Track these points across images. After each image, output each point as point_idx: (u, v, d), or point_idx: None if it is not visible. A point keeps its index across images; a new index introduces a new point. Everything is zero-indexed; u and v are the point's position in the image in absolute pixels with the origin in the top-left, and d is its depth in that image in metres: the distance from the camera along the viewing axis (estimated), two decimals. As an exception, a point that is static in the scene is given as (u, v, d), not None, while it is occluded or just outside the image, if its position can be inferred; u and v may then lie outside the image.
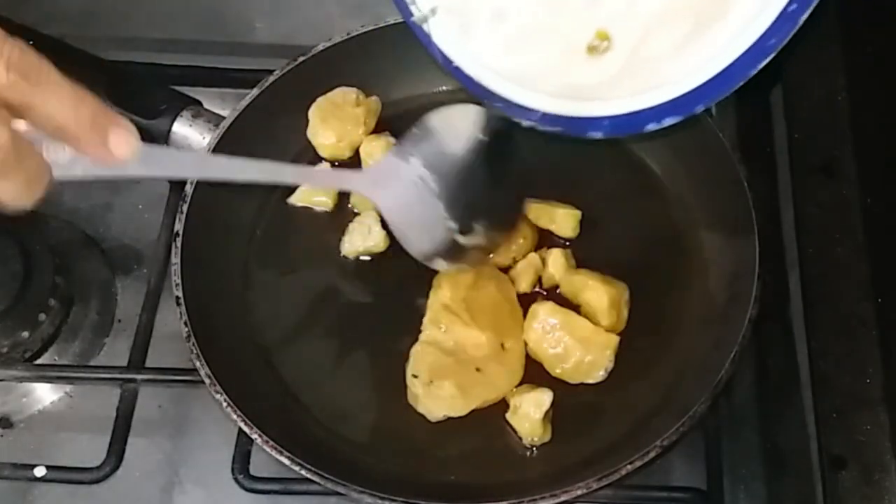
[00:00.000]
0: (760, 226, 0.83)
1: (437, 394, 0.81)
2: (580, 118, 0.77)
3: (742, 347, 0.78)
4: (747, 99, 1.04)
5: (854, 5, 1.02)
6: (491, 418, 0.82)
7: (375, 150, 0.92)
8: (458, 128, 0.81)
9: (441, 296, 0.84)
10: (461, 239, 0.82)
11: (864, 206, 0.96)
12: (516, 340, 0.84)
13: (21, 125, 0.58)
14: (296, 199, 0.93)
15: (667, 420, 0.77)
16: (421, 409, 0.82)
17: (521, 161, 0.84)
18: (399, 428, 0.83)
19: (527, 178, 0.86)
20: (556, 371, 0.83)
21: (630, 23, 0.76)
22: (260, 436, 0.75)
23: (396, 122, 0.95)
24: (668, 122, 0.72)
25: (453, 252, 0.82)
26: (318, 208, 0.93)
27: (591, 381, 0.83)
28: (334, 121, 0.92)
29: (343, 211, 0.93)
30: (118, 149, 0.60)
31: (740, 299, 0.81)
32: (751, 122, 1.03)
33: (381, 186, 0.80)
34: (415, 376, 0.82)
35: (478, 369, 0.82)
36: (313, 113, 0.93)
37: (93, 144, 0.59)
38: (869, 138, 0.98)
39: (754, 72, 0.69)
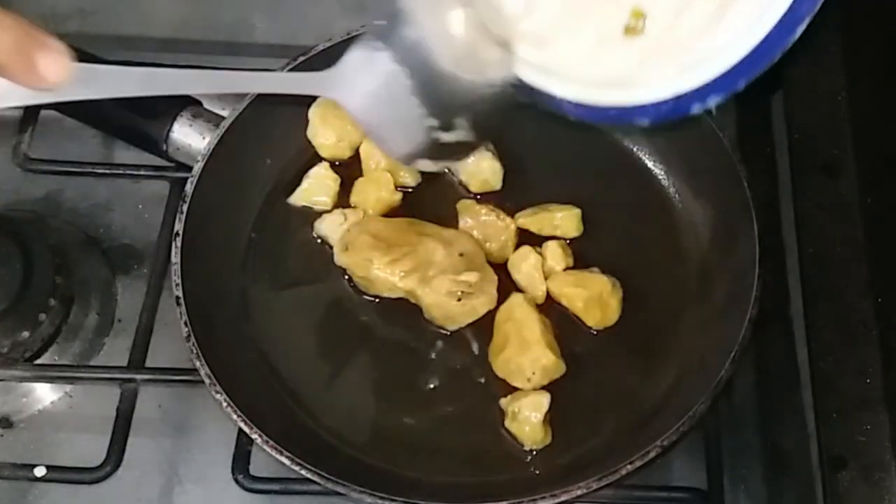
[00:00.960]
0: (760, 226, 0.83)
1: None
2: (626, 107, 0.75)
3: (742, 347, 0.78)
4: (747, 99, 1.04)
5: (855, 5, 1.03)
6: (490, 425, 0.83)
7: (375, 149, 0.92)
8: (432, 15, 0.70)
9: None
10: (443, 136, 0.73)
11: (864, 206, 0.96)
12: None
13: None
14: (295, 199, 0.93)
15: (667, 420, 0.77)
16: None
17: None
18: (399, 428, 0.83)
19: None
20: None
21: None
22: (260, 436, 0.75)
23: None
24: (713, 101, 0.70)
25: (436, 150, 0.74)
26: (317, 207, 0.93)
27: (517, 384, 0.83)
28: (334, 120, 0.92)
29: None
30: (48, 72, 0.57)
31: (740, 299, 0.81)
32: (751, 122, 1.03)
33: (347, 86, 0.72)
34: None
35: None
36: (313, 113, 0.93)
37: (21, 71, 0.57)
38: (869, 138, 0.98)
39: (791, 40, 0.67)
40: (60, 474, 0.84)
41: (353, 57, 0.71)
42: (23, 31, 0.57)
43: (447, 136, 0.73)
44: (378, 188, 0.91)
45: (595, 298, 0.85)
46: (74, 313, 0.94)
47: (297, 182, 0.93)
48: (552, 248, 0.88)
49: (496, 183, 0.92)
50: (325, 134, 0.93)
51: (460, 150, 0.76)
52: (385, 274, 0.85)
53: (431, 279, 0.85)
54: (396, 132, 0.73)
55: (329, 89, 0.73)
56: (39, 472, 0.82)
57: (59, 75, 0.57)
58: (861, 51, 1.01)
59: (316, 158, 0.94)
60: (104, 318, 0.94)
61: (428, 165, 0.77)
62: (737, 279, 0.84)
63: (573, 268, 0.88)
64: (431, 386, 0.85)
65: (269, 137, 0.93)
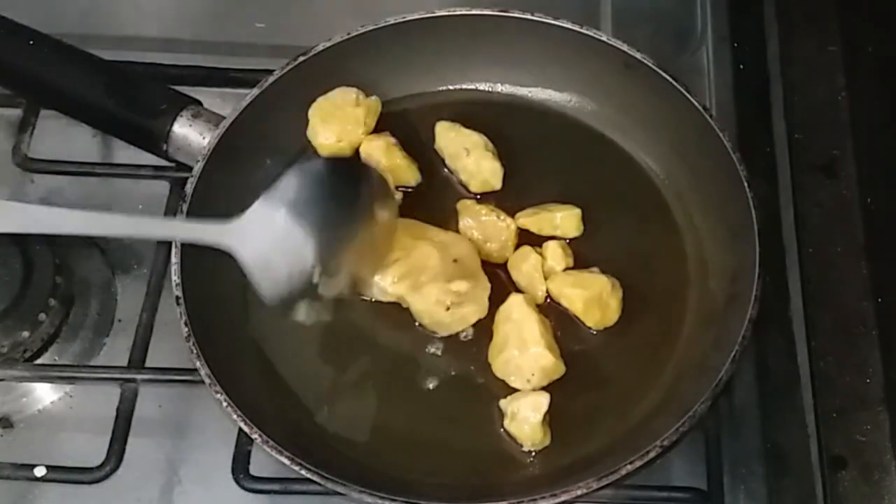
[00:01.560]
0: (760, 226, 0.83)
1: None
2: None
3: (742, 347, 0.78)
4: (747, 98, 1.05)
5: (854, 5, 1.03)
6: (489, 426, 0.83)
7: (375, 149, 0.92)
8: (335, 180, 0.82)
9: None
10: (325, 281, 0.80)
11: (864, 205, 0.96)
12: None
13: None
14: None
15: (667, 420, 0.77)
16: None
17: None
18: (398, 428, 0.83)
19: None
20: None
21: None
22: (260, 435, 0.75)
23: (397, 122, 0.95)
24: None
25: (312, 294, 0.81)
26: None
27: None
28: (334, 121, 0.92)
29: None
30: None
31: (740, 299, 0.81)
32: (751, 122, 1.03)
33: (245, 239, 0.78)
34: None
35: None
36: (313, 113, 0.93)
37: None
38: (869, 138, 0.98)
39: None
40: (60, 474, 0.83)
41: (255, 212, 0.78)
42: None
43: (327, 289, 0.81)
44: None
45: (595, 299, 0.85)
46: (74, 313, 0.94)
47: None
48: (552, 248, 0.88)
49: (496, 183, 0.92)
50: (325, 134, 0.92)
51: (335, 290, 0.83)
52: (376, 279, 0.85)
53: (422, 286, 0.85)
54: (280, 280, 0.78)
55: (228, 239, 0.78)
56: (39, 472, 0.82)
57: None
58: (861, 51, 1.01)
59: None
60: (104, 317, 0.94)
61: (302, 314, 0.83)
62: (737, 279, 0.84)
63: (573, 268, 0.88)
64: (430, 387, 0.84)
65: (270, 137, 0.92)
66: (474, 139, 0.93)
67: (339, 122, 0.92)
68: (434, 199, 0.93)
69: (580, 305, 0.86)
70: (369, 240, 0.83)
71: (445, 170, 0.94)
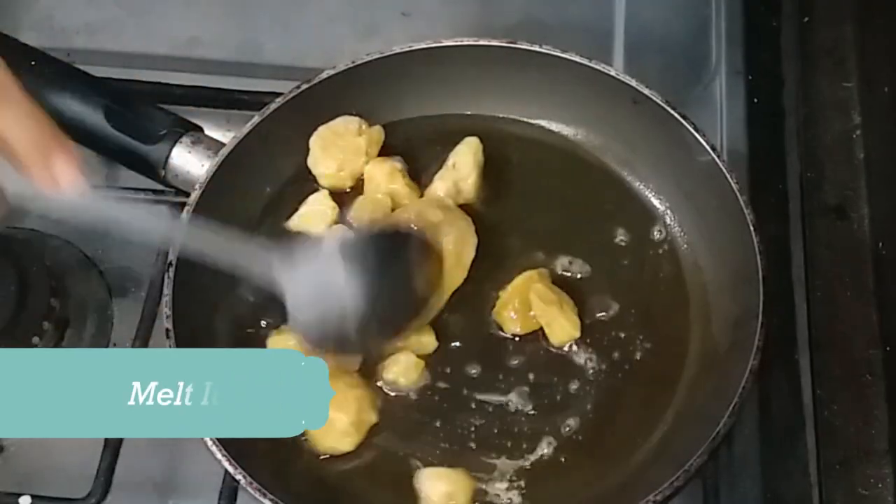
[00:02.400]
0: (765, 272, 0.81)
1: None
2: None
3: (742, 399, 0.76)
4: (760, 133, 1.03)
5: (871, 43, 1.01)
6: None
7: (379, 173, 0.91)
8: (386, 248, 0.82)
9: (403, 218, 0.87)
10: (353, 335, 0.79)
11: (875, 249, 0.94)
12: None
13: None
14: (293, 224, 0.92)
15: (663, 471, 0.75)
16: None
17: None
18: (390, 472, 0.82)
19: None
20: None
21: None
22: (244, 476, 0.74)
23: (398, 150, 0.94)
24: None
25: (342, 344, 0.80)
26: (314, 233, 0.91)
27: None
28: (335, 150, 0.91)
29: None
30: (62, 175, 0.59)
31: (742, 347, 0.79)
32: (763, 158, 1.01)
33: (292, 271, 0.77)
34: None
35: None
36: (314, 142, 0.91)
37: (36, 165, 0.58)
38: (883, 178, 0.96)
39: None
40: (45, 504, 0.83)
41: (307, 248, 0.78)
42: (49, 129, 0.59)
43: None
44: (375, 210, 0.90)
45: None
46: (69, 336, 0.93)
47: (296, 208, 0.92)
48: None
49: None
50: (325, 163, 0.91)
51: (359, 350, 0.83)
52: None
53: None
54: (317, 321, 0.77)
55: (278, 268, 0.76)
56: (25, 501, 0.81)
57: (69, 182, 0.60)
58: (876, 89, 0.99)
59: (316, 185, 0.93)
60: (99, 341, 0.94)
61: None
62: (739, 326, 0.82)
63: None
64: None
65: (270, 165, 0.91)
66: (464, 169, 0.92)
67: (340, 152, 0.91)
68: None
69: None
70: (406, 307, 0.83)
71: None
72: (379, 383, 0.84)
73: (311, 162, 0.92)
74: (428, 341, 0.85)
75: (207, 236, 0.76)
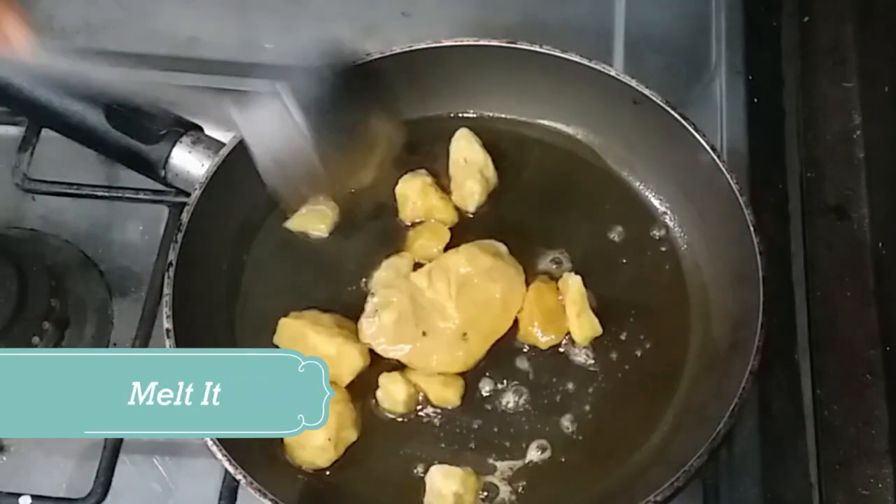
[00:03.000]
0: (765, 273, 0.80)
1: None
2: None
3: (742, 400, 0.76)
4: (760, 133, 1.03)
5: (871, 43, 1.01)
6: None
7: (412, 191, 0.91)
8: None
9: (454, 260, 0.85)
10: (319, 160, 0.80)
11: (875, 249, 0.94)
12: (480, 340, 0.84)
13: None
14: (293, 225, 0.92)
15: (663, 472, 0.75)
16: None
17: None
18: (392, 471, 0.82)
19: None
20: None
21: None
22: (244, 476, 0.74)
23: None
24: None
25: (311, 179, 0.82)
26: (313, 234, 0.91)
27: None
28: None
29: (339, 238, 0.91)
30: (12, 35, 0.62)
31: (742, 348, 0.79)
32: (763, 157, 1.01)
33: (252, 120, 0.79)
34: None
35: (424, 333, 0.84)
36: None
37: None
38: (883, 178, 0.96)
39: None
40: (46, 504, 0.83)
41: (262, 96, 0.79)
42: None
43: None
44: (435, 237, 0.91)
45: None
46: (69, 336, 0.93)
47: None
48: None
49: (469, 206, 0.92)
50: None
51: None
52: None
53: None
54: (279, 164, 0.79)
55: (236, 115, 0.78)
56: (24, 501, 0.81)
57: (22, 42, 0.62)
58: (876, 89, 0.99)
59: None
60: (98, 340, 0.94)
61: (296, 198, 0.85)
62: (739, 326, 0.82)
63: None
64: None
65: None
66: (477, 157, 0.92)
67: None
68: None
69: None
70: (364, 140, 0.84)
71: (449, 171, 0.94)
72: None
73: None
74: (452, 397, 0.84)
75: (164, 84, 0.77)
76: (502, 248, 0.88)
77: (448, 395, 0.83)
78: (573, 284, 0.85)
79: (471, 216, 0.92)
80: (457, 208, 0.92)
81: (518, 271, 0.87)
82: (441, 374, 0.83)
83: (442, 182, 0.93)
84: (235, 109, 0.78)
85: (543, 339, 0.85)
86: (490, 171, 0.92)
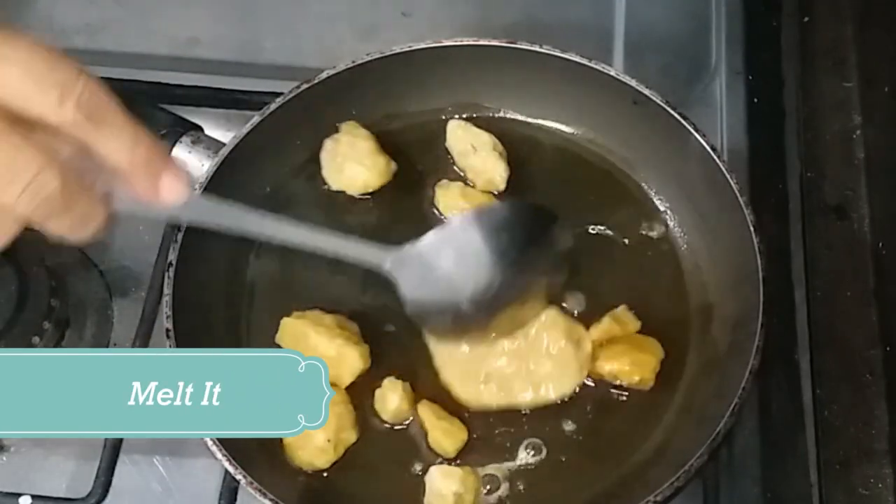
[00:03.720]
0: (766, 273, 0.80)
1: None
2: None
3: (742, 400, 0.76)
4: (760, 134, 1.03)
5: (871, 43, 1.01)
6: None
7: (448, 198, 0.91)
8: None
9: None
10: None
11: (875, 249, 0.94)
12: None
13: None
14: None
15: (662, 472, 0.75)
16: None
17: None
18: (392, 471, 0.82)
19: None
20: None
21: None
22: (244, 476, 0.74)
23: (399, 151, 0.94)
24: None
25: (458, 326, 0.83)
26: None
27: None
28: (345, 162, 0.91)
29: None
30: (167, 193, 0.63)
31: (742, 348, 0.79)
32: (763, 158, 1.01)
33: (404, 270, 0.80)
34: None
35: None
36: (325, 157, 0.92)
37: (144, 186, 0.63)
38: (883, 178, 0.96)
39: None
40: (46, 504, 0.83)
41: (420, 247, 0.80)
42: (156, 150, 0.63)
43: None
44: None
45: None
46: (69, 336, 0.93)
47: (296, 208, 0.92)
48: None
49: (500, 183, 0.91)
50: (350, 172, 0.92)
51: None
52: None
53: None
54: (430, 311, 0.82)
55: (389, 265, 0.80)
56: (24, 501, 0.81)
57: (174, 199, 0.64)
58: (876, 89, 0.99)
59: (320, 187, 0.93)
60: (99, 341, 0.94)
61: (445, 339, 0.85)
62: (739, 327, 0.82)
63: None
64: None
65: (270, 165, 0.91)
66: (483, 138, 0.92)
67: (349, 164, 0.91)
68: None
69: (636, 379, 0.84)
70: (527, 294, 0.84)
71: (455, 168, 0.94)
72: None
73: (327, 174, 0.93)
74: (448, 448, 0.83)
75: (314, 234, 0.77)
76: None
77: (446, 445, 0.81)
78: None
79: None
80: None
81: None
82: (447, 421, 0.82)
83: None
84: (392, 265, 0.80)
85: (621, 377, 0.85)
86: (500, 146, 0.92)
